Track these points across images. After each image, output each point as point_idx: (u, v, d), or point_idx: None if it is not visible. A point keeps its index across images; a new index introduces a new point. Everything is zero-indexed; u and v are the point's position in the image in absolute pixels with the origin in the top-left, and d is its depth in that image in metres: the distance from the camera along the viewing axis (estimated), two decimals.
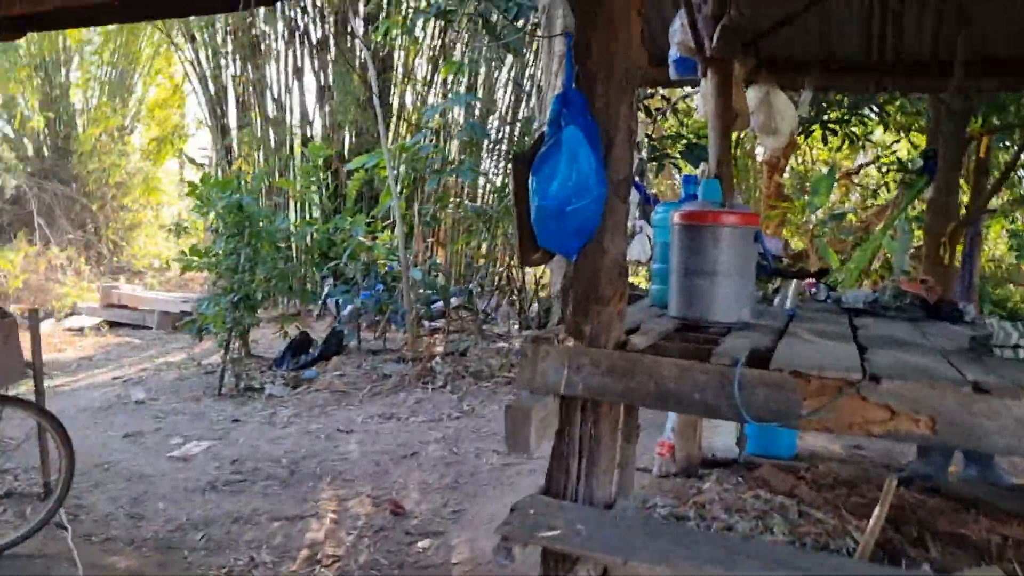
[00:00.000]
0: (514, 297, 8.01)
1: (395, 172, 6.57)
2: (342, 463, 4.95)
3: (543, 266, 8.10)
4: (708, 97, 4.34)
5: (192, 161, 6.68)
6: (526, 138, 8.00)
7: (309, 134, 15.59)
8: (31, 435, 4.60)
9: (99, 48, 19.93)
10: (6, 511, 4.17)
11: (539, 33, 5.40)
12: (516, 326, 7.90)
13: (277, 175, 14.15)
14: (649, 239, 6.59)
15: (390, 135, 15.65)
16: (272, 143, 14.80)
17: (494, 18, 6.30)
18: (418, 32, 10.41)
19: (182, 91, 17.71)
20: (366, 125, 14.11)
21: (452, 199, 7.93)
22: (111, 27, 19.14)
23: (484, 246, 8.25)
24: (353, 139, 14.27)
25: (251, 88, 14.81)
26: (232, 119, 15.72)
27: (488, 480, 4.76)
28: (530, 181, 2.27)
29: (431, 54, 13.90)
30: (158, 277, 18.47)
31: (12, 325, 3.22)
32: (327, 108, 14.91)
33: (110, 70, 20.47)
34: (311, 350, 7.40)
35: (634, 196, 6.57)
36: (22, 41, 18.49)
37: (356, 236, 6.82)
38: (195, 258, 7.02)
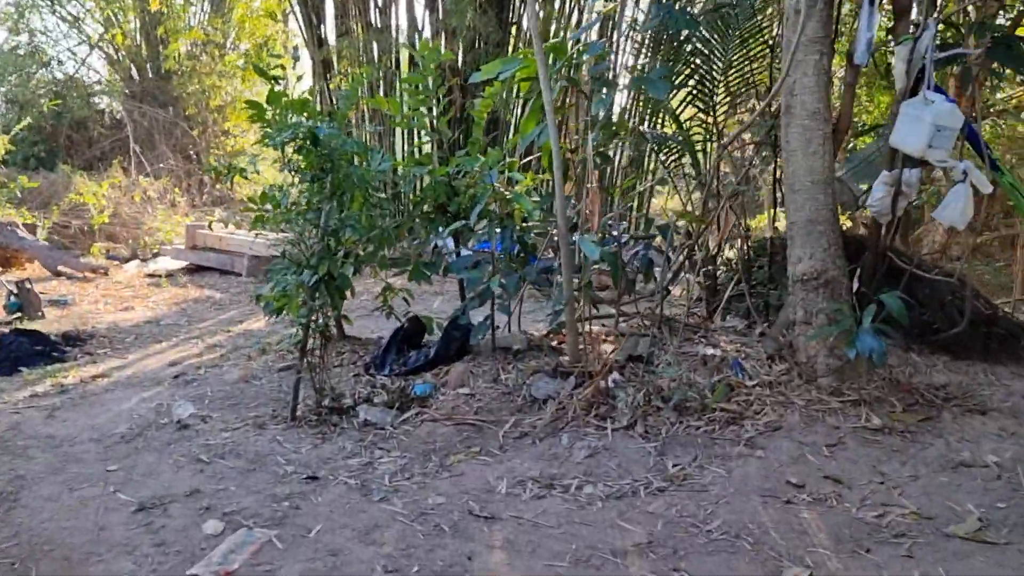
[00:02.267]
0: (703, 268, 5.57)
1: (550, 84, 4.16)
2: None
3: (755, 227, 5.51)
4: None
5: (263, 74, 4.37)
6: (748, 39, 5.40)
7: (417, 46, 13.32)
8: None
9: None
10: None
11: None
12: (715, 315, 5.49)
13: (381, 93, 12.04)
14: (976, 191, 3.99)
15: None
16: (376, 57, 12.64)
17: None
18: None
19: None
20: (486, 33, 11.69)
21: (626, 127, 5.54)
22: None
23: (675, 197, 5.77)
24: (467, 53, 11.89)
25: None
26: (331, 30, 13.62)
27: None
28: None
29: None
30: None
31: None
32: (438, 14, 12.56)
33: None
34: (424, 345, 5.24)
35: (938, 114, 3.96)
36: None
37: (490, 182, 4.50)
38: (267, 207, 4.90)
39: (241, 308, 8.86)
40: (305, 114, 4.51)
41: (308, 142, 4.11)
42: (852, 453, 3.70)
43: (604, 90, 4.56)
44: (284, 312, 4.70)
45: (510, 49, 12.62)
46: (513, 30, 12.98)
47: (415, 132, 11.17)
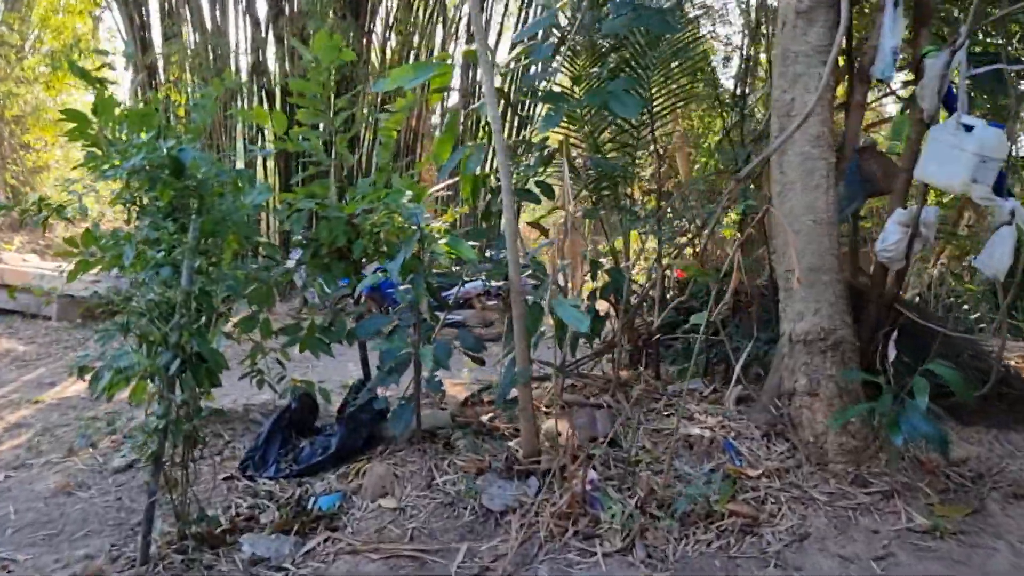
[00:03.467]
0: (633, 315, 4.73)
1: (494, 91, 3.16)
2: None
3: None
4: None
5: (84, 75, 3.02)
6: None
7: (262, 55, 11.86)
8: None
9: None
10: None
11: None
12: (649, 372, 4.65)
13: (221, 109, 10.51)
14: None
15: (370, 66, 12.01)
16: (212, 63, 11.10)
17: None
18: None
19: None
20: (345, 40, 10.47)
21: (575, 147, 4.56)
22: None
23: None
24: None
25: None
26: (156, 30, 11.88)
27: None
28: None
29: None
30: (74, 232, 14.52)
31: None
32: (286, 14, 11.20)
33: None
34: (319, 430, 4.04)
35: (983, 143, 3.31)
36: None
37: (415, 219, 3.41)
38: (94, 250, 3.56)
39: (52, 364, 7.18)
40: (146, 130, 3.23)
41: (167, 171, 2.86)
42: (909, 569, 2.91)
43: (551, 105, 3.60)
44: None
45: (365, 61, 11.49)
46: (370, 39, 11.86)
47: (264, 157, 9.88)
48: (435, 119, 13.06)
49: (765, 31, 6.67)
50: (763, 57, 6.62)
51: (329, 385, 4.69)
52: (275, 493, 3.57)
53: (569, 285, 3.16)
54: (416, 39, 11.69)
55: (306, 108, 3.72)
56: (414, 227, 3.40)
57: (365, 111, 10.30)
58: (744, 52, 4.85)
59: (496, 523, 3.20)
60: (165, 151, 2.80)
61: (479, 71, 3.49)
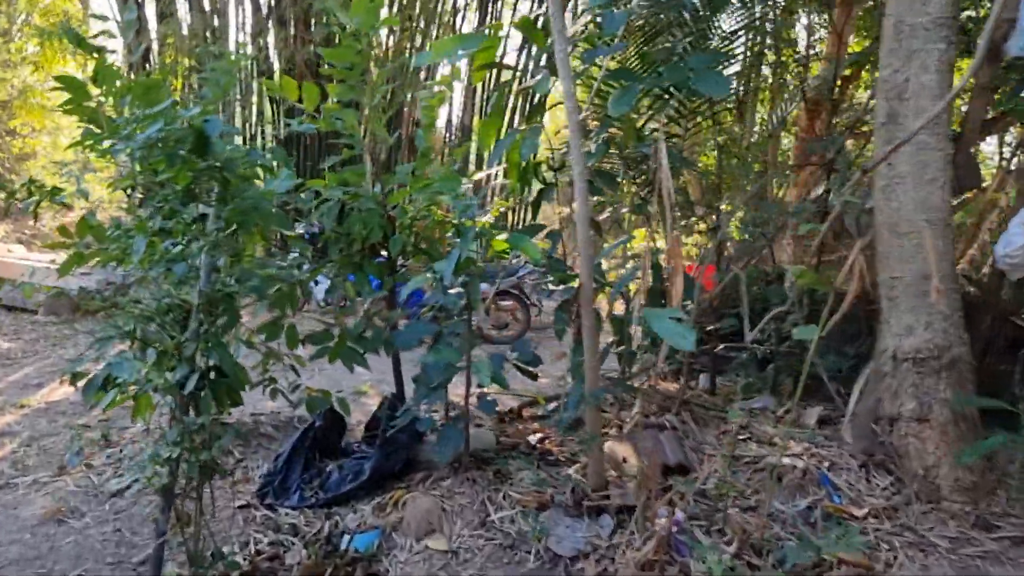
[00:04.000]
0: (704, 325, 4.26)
1: (568, 60, 2.70)
2: None
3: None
4: None
5: (80, 42, 2.49)
6: None
7: (263, 40, 11.33)
8: None
9: None
10: None
11: None
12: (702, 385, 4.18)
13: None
14: None
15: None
16: (209, 44, 10.54)
17: None
18: None
19: None
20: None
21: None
22: None
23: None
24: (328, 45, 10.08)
25: None
26: (151, 11, 11.33)
27: None
28: None
29: None
30: (62, 221, 13.90)
31: None
32: None
33: None
34: (346, 450, 3.55)
35: None
36: None
37: (470, 212, 2.93)
38: (90, 240, 3.05)
39: (40, 362, 6.66)
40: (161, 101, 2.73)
41: (188, 147, 2.36)
42: None
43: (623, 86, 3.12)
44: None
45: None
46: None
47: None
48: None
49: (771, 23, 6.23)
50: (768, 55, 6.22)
51: (342, 393, 4.21)
52: (299, 527, 3.08)
53: (670, 295, 2.67)
54: (422, 23, 11.18)
55: (341, 82, 3.23)
56: (470, 221, 2.92)
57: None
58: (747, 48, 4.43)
59: (566, 570, 2.71)
60: (187, 121, 2.30)
61: (532, 45, 3.00)
